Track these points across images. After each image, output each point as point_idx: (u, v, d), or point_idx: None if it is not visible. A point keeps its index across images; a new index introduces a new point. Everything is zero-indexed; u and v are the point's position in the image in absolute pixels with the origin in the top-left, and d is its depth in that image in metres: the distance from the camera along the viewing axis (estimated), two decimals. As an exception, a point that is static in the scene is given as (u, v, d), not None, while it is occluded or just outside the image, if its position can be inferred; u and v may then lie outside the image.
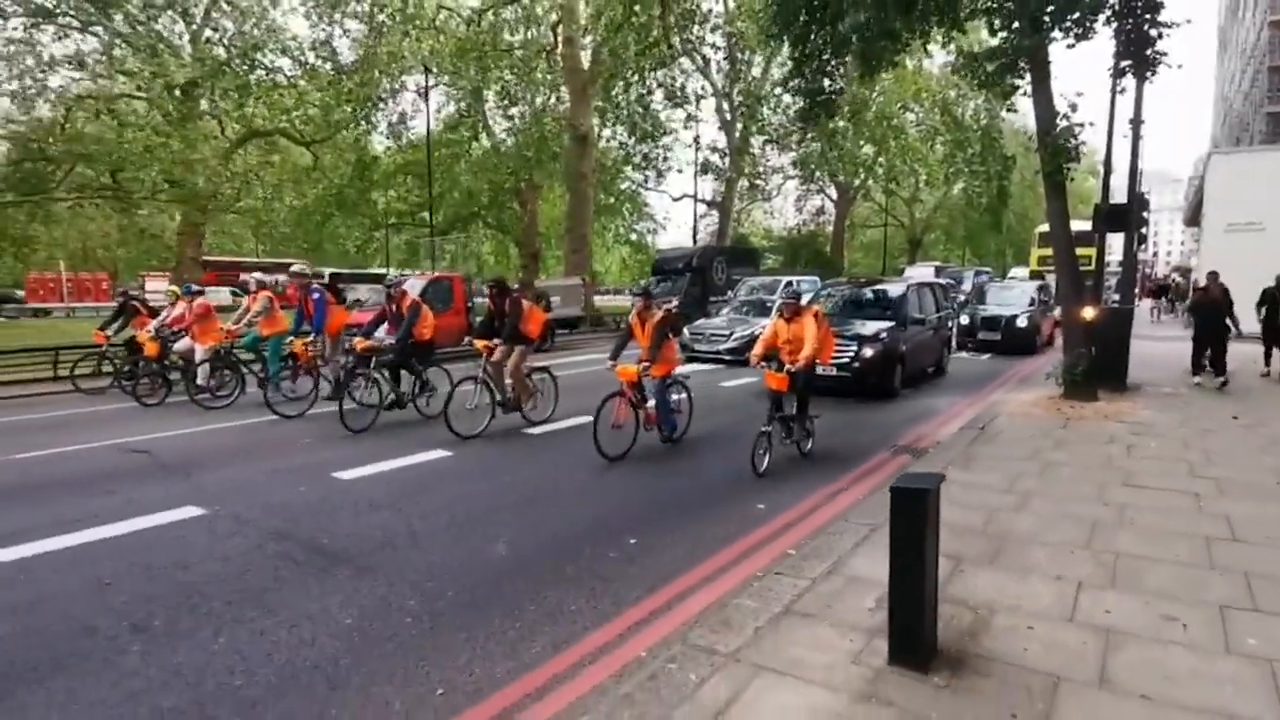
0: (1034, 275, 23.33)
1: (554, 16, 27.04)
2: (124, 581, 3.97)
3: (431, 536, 4.68)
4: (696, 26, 27.23)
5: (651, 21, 23.75)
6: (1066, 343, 9.61)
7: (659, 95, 28.35)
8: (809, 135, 26.43)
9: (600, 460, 6.42)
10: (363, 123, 27.60)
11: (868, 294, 12.15)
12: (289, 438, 7.59)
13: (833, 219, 42.94)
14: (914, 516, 2.76)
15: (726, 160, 33.41)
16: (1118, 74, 8.98)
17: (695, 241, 31.22)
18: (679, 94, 29.14)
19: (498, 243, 41.08)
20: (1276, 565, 3.82)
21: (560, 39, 26.66)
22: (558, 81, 27.98)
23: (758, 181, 38.94)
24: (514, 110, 28.50)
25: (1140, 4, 8.43)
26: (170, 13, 23.45)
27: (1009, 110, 10.88)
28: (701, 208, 35.99)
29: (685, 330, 14.09)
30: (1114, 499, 5.02)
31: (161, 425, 8.21)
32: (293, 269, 9.77)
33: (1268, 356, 11.09)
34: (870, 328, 10.40)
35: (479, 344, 7.94)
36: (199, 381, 9.48)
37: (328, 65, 25.73)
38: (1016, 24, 8.74)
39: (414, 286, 12.69)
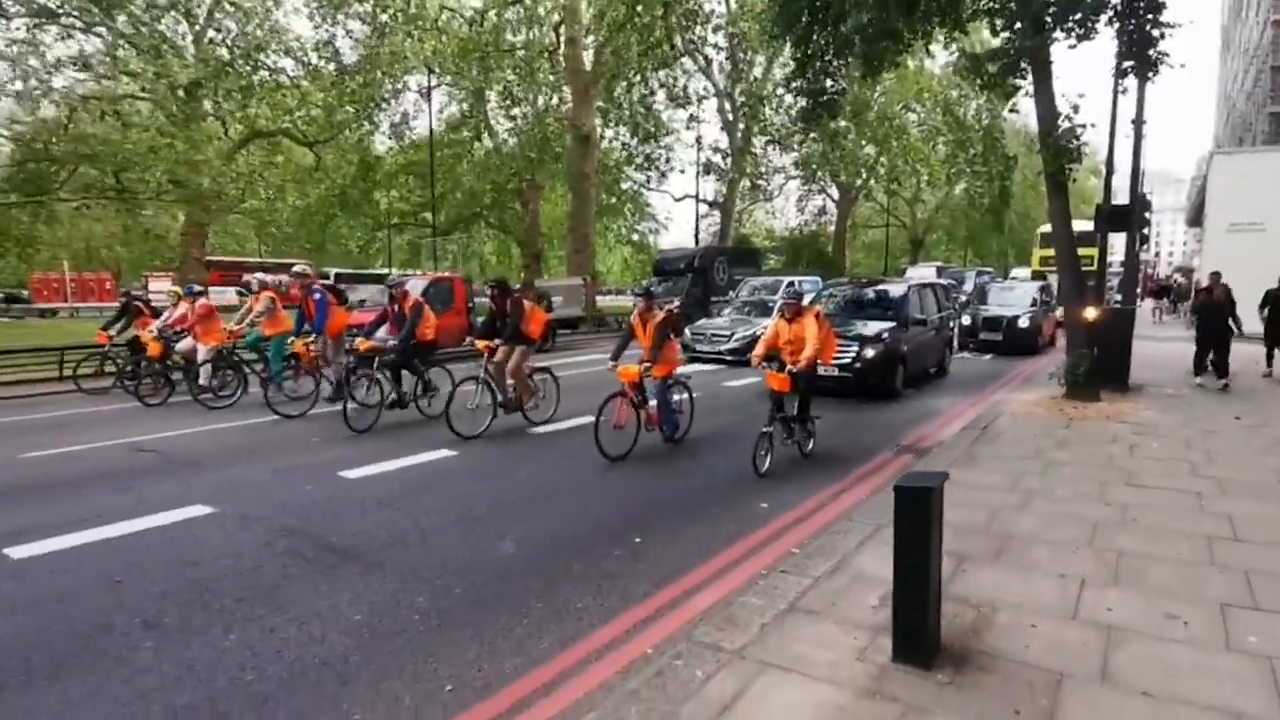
0: (1036, 275, 23.23)
1: (556, 17, 27.06)
2: (135, 579, 4.01)
3: (438, 535, 4.72)
4: (699, 27, 27.27)
5: (654, 22, 23.77)
6: (1069, 343, 9.62)
7: (661, 96, 28.45)
8: (811, 135, 26.41)
9: (602, 460, 6.45)
10: (365, 123, 27.63)
11: (869, 294, 12.13)
12: (292, 437, 7.64)
13: (834, 219, 42.89)
14: (918, 515, 2.79)
15: (728, 160, 33.38)
16: (1120, 74, 8.98)
17: (697, 242, 31.17)
18: (681, 94, 29.18)
19: (500, 243, 41.23)
20: (1277, 564, 3.84)
21: (563, 39, 26.71)
22: (560, 82, 28.00)
23: (759, 182, 38.90)
24: (516, 110, 28.50)
25: (1142, 4, 8.44)
26: (173, 13, 23.50)
27: (1011, 111, 10.91)
28: (703, 208, 36.00)
29: (687, 330, 14.10)
30: (1116, 498, 5.04)
31: (165, 425, 8.26)
32: (295, 269, 9.82)
33: (1270, 357, 11.10)
34: (872, 328, 10.40)
35: (480, 344, 7.97)
36: (201, 381, 9.52)
37: (330, 66, 25.73)
38: (1018, 25, 8.75)
39: (416, 287, 12.73)
